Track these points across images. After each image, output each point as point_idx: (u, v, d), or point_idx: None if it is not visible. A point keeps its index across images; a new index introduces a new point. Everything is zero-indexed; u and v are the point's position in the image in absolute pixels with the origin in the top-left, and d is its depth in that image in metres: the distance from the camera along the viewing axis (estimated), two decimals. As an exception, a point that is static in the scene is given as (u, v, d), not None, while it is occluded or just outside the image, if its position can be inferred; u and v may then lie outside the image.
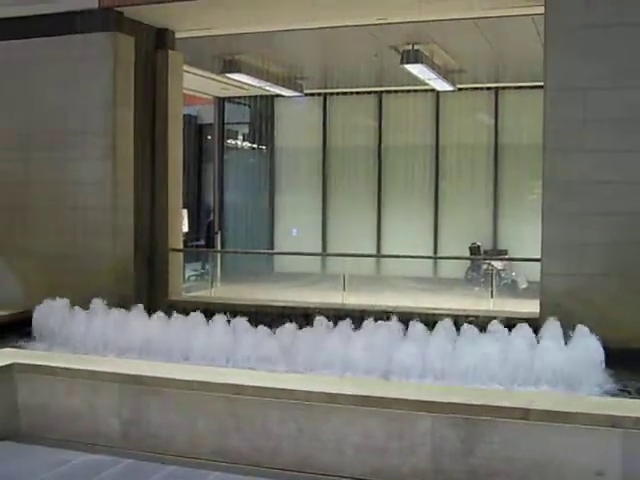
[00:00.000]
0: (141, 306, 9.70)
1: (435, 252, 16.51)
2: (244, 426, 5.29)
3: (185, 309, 9.71)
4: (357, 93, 16.91)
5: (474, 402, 4.93)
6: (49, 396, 5.88)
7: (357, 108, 17.43)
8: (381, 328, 8.60)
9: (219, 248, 16.37)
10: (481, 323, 8.59)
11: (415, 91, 15.96)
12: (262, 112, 18.07)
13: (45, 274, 10.78)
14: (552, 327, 8.28)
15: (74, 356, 7.66)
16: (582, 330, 7.91)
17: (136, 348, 9.00)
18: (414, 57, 12.43)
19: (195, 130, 19.86)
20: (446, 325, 8.57)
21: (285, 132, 17.99)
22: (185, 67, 12.67)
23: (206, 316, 9.24)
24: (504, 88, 15.91)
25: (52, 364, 6.06)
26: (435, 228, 16.67)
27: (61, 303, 9.84)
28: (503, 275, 13.58)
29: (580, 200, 9.05)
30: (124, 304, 9.79)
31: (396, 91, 16.41)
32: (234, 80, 14.81)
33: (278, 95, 16.75)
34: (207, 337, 8.87)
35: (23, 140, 11.28)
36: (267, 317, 9.26)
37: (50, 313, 9.83)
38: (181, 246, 12.87)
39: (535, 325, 8.46)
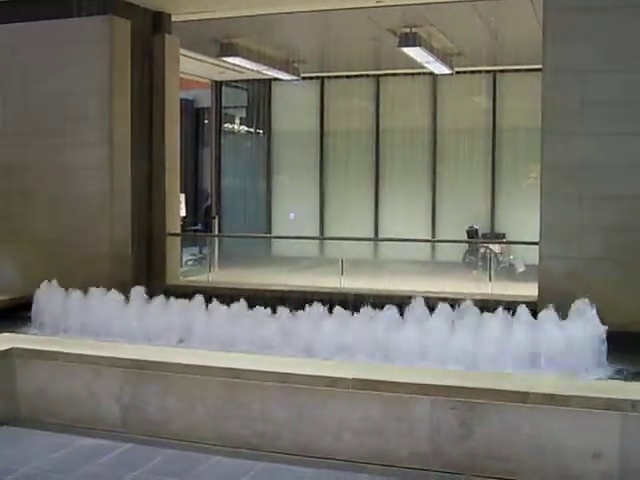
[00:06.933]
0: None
1: (433, 235, 16.49)
2: (244, 410, 5.30)
3: (183, 293, 9.71)
4: (354, 76, 16.84)
5: (473, 385, 4.94)
6: (48, 381, 5.88)
7: (354, 91, 17.36)
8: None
9: (217, 232, 16.35)
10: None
11: (413, 74, 15.89)
12: (259, 96, 18.02)
13: (43, 259, 10.76)
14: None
15: (73, 341, 7.65)
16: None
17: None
18: (412, 40, 12.34)
19: (192, 114, 19.80)
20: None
21: (282, 116, 17.93)
22: (182, 51, 12.60)
23: (205, 300, 9.24)
24: (502, 71, 15.85)
25: (51, 349, 6.06)
26: (433, 211, 16.65)
27: (60, 288, 9.81)
28: (501, 258, 13.59)
29: (579, 183, 9.03)
30: (122, 288, 9.77)
31: (394, 74, 16.36)
32: (231, 64, 14.74)
33: (275, 79, 16.68)
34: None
35: (20, 125, 11.23)
36: (266, 301, 9.22)
37: (49, 298, 9.81)
38: (179, 230, 12.86)
39: (534, 308, 8.48)
